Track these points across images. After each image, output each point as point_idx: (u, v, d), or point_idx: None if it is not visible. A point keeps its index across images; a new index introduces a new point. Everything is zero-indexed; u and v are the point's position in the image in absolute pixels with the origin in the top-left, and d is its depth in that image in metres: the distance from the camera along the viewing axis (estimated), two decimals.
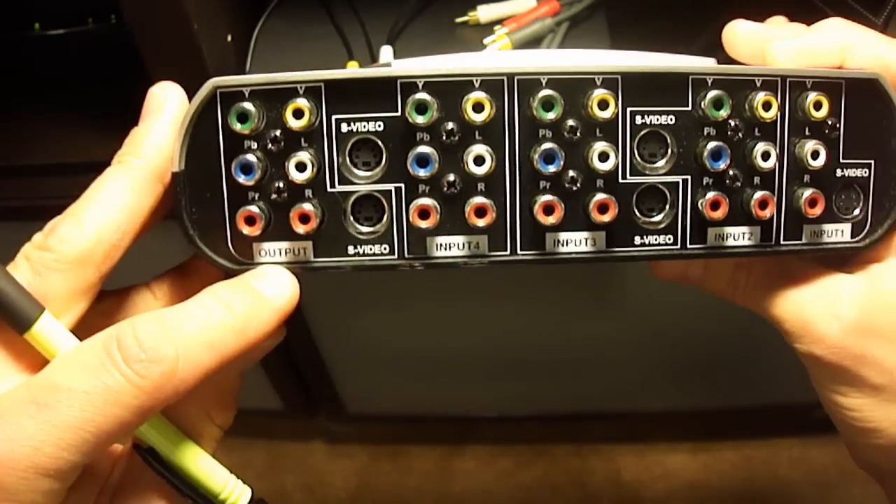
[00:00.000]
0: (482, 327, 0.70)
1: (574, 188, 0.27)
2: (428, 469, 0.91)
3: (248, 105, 0.26)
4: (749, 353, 0.69)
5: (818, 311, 0.28)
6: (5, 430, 0.22)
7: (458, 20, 0.56)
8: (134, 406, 0.23)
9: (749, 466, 0.89)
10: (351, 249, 0.27)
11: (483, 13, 0.55)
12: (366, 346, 0.74)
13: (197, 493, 0.27)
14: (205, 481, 0.27)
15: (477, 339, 0.71)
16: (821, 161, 0.27)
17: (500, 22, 0.55)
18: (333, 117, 0.26)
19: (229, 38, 0.50)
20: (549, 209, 0.26)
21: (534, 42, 0.54)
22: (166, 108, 0.27)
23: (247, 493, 0.28)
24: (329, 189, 0.27)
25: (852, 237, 0.29)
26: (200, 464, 0.27)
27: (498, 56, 0.29)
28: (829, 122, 0.27)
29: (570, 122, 0.26)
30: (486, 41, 0.54)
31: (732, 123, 0.27)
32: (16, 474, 0.22)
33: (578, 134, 0.26)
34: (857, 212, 0.29)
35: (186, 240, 0.27)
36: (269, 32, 0.55)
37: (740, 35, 0.30)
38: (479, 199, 0.26)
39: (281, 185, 0.26)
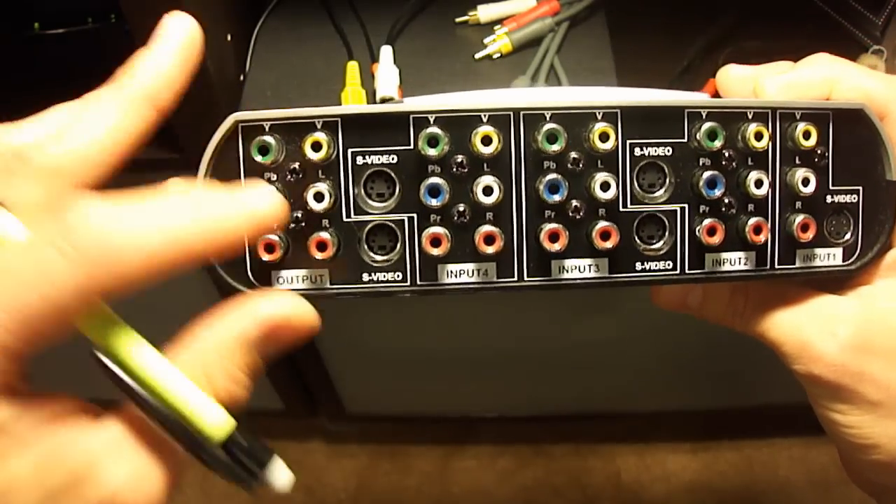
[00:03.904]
0: (482, 328, 0.70)
1: (577, 216, 0.28)
2: (428, 469, 0.92)
3: (268, 138, 0.27)
4: (749, 353, 0.70)
5: (815, 331, 0.29)
6: None
7: (458, 20, 0.57)
8: (65, 282, 0.21)
9: (749, 466, 0.89)
10: (366, 276, 0.28)
11: (483, 13, 0.57)
12: (366, 346, 0.74)
13: (162, 413, 0.23)
14: (174, 402, 0.23)
15: (477, 339, 0.72)
16: (811, 188, 0.29)
17: (500, 22, 0.56)
18: (350, 150, 0.28)
19: (229, 38, 0.50)
20: (554, 237, 0.28)
21: (534, 42, 0.55)
22: (172, 36, 0.26)
23: (228, 424, 0.24)
24: (345, 219, 0.28)
25: (844, 261, 0.30)
26: (168, 379, 0.24)
27: (504, 93, 0.30)
28: (818, 151, 0.29)
29: (573, 154, 0.28)
30: (486, 41, 0.55)
31: (726, 153, 0.28)
32: None
33: (581, 165, 0.28)
34: (847, 236, 0.30)
35: (206, 266, 0.28)
36: (269, 32, 0.56)
37: (733, 77, 0.31)
38: (487, 228, 0.28)
39: (299, 214, 0.27)
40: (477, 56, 0.55)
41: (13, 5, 0.59)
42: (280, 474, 0.25)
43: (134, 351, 0.24)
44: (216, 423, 0.24)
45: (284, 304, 0.25)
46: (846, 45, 0.51)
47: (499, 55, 0.55)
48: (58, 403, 0.24)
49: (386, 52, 0.54)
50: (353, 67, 0.53)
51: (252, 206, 0.24)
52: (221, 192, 0.24)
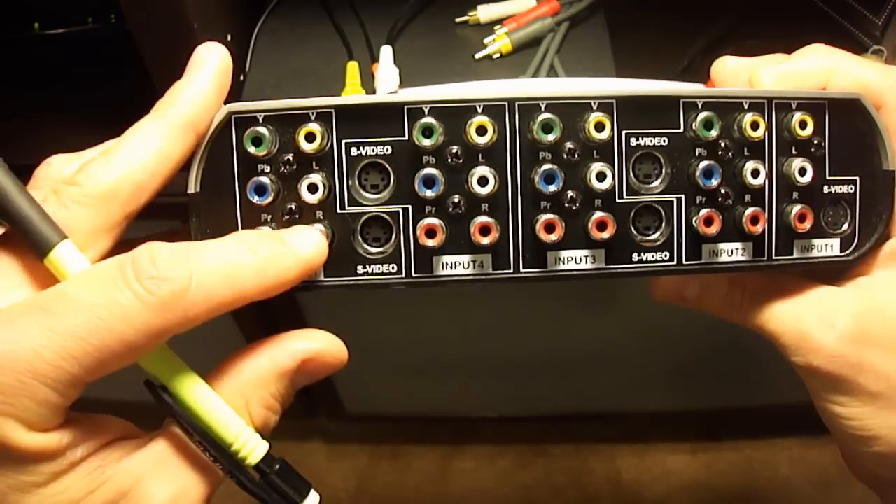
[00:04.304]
0: (482, 327, 0.70)
1: (574, 207, 0.28)
2: (428, 469, 0.91)
3: (262, 129, 0.27)
4: (749, 353, 0.69)
5: (814, 322, 0.29)
6: (9, 332, 0.22)
7: (458, 20, 0.57)
8: (139, 323, 0.23)
9: (749, 466, 0.89)
10: (360, 269, 0.28)
11: (483, 13, 0.57)
12: (366, 347, 0.73)
13: (208, 438, 0.26)
14: (217, 428, 0.26)
15: (476, 339, 0.71)
16: (808, 178, 0.28)
17: (499, 22, 0.56)
18: (344, 141, 0.28)
19: (229, 37, 0.50)
20: (550, 227, 0.28)
21: (534, 42, 0.55)
22: (208, 65, 0.27)
23: (262, 447, 0.26)
24: (339, 210, 0.28)
25: (841, 251, 0.30)
26: (214, 408, 0.26)
27: (499, 83, 0.30)
28: (815, 141, 0.29)
29: (569, 144, 0.28)
30: (486, 41, 0.55)
31: (722, 143, 0.28)
32: (14, 375, 0.22)
33: (577, 155, 0.28)
34: (845, 227, 0.30)
35: None
36: (268, 32, 0.56)
37: (728, 68, 0.31)
38: (483, 219, 0.27)
39: (293, 206, 0.27)
40: (477, 56, 0.55)
41: (13, 5, 0.59)
42: (310, 498, 0.27)
43: (184, 382, 0.26)
44: (253, 447, 0.26)
45: (318, 340, 0.27)
46: (846, 45, 0.51)
47: (499, 55, 0.55)
48: (104, 425, 0.26)
49: (386, 52, 0.54)
50: (353, 67, 0.53)
51: (302, 250, 0.26)
52: (272, 237, 0.26)
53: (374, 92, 0.52)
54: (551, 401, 0.82)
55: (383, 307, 0.69)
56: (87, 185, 0.25)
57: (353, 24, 0.56)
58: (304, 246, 0.26)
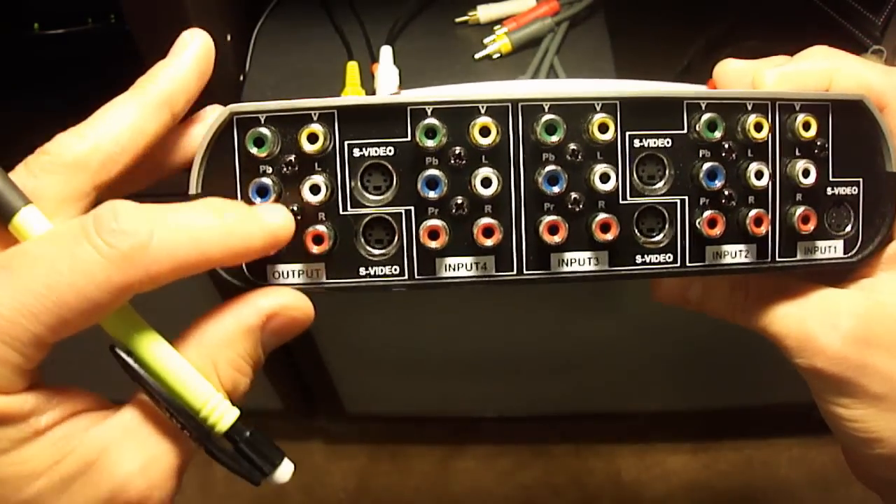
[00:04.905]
0: (482, 327, 0.70)
1: (577, 209, 0.28)
2: (427, 469, 0.91)
3: (264, 130, 0.27)
4: (749, 353, 0.69)
5: (817, 324, 0.29)
6: None
7: (458, 20, 0.57)
8: (100, 278, 0.22)
9: (749, 466, 0.89)
10: (362, 270, 0.28)
11: (483, 13, 0.56)
12: (365, 347, 0.74)
13: (175, 404, 0.25)
14: (184, 393, 0.25)
15: (477, 339, 0.71)
16: (811, 179, 0.28)
17: (499, 22, 0.56)
18: (346, 142, 0.27)
19: (229, 38, 0.50)
20: (553, 229, 0.28)
21: (533, 42, 0.55)
22: (190, 48, 0.28)
23: (232, 414, 0.25)
24: (342, 212, 0.28)
25: (845, 253, 0.30)
26: (181, 373, 0.25)
27: (503, 84, 0.30)
28: (818, 143, 0.29)
29: (572, 146, 0.27)
30: (485, 41, 0.55)
31: (726, 145, 0.28)
32: None
33: (580, 157, 0.28)
34: (848, 228, 0.30)
35: None
36: (268, 32, 0.56)
37: (731, 70, 0.31)
38: (486, 220, 0.27)
39: (295, 207, 0.27)
40: (477, 56, 0.55)
41: (13, 5, 0.59)
42: (283, 467, 0.27)
43: (148, 344, 0.25)
44: (221, 413, 0.25)
45: (284, 297, 0.27)
46: (846, 44, 0.51)
47: (498, 55, 0.55)
48: (71, 396, 0.25)
49: (386, 52, 0.54)
50: (352, 68, 0.53)
51: (267, 220, 0.26)
52: (240, 205, 0.26)
53: (373, 92, 0.52)
54: (551, 401, 0.82)
55: (383, 307, 0.69)
56: (57, 153, 0.25)
57: (353, 24, 0.56)
58: (271, 217, 0.26)
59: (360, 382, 0.81)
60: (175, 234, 0.23)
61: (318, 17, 0.57)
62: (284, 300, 0.27)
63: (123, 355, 0.25)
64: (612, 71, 0.53)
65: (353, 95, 0.50)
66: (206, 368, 0.25)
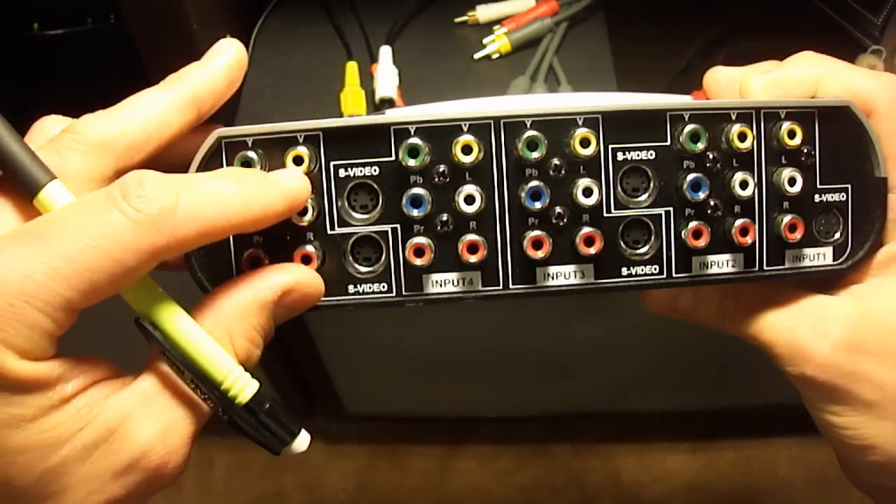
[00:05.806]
0: (481, 327, 0.70)
1: (561, 223, 0.28)
2: (427, 469, 0.91)
3: (251, 153, 0.27)
4: (749, 353, 0.69)
5: (807, 332, 0.29)
6: None
7: (458, 20, 0.57)
8: (129, 241, 0.23)
9: (749, 466, 0.89)
10: (351, 288, 0.29)
11: (482, 13, 0.56)
12: (365, 347, 0.74)
13: (200, 376, 0.25)
14: (208, 366, 0.26)
15: (477, 339, 0.71)
16: (798, 187, 0.28)
17: (499, 22, 0.56)
18: (332, 163, 0.28)
19: (228, 38, 0.51)
20: (537, 244, 0.28)
21: (533, 42, 0.55)
22: (224, 55, 0.29)
23: (253, 386, 0.26)
24: (329, 231, 0.28)
25: (834, 260, 0.30)
26: (204, 346, 0.26)
27: (485, 101, 0.31)
28: (805, 150, 0.29)
29: (555, 161, 0.28)
30: (485, 41, 0.55)
31: (710, 155, 0.28)
32: (4, 299, 0.22)
33: (563, 171, 0.28)
34: (837, 235, 0.30)
35: (195, 282, 0.28)
36: (268, 32, 0.56)
37: (720, 79, 0.31)
38: (470, 237, 0.28)
39: (283, 227, 0.28)
40: (476, 56, 0.55)
41: (13, 5, 0.59)
42: (301, 437, 0.28)
43: (171, 317, 0.26)
44: (243, 385, 0.26)
45: (299, 273, 0.28)
46: (845, 44, 0.50)
47: (498, 55, 0.55)
48: (91, 363, 0.26)
49: (385, 52, 0.54)
50: (352, 68, 0.53)
51: (286, 183, 0.27)
52: (259, 172, 0.27)
53: (373, 92, 0.52)
54: (551, 401, 0.82)
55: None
56: (84, 132, 0.26)
57: (353, 24, 0.56)
58: (288, 180, 0.27)
59: (360, 382, 0.81)
60: (200, 199, 0.24)
61: (317, 17, 0.57)
62: (300, 276, 0.27)
63: (150, 328, 0.26)
64: (612, 71, 0.53)
65: (353, 104, 0.51)
66: (222, 339, 0.26)
